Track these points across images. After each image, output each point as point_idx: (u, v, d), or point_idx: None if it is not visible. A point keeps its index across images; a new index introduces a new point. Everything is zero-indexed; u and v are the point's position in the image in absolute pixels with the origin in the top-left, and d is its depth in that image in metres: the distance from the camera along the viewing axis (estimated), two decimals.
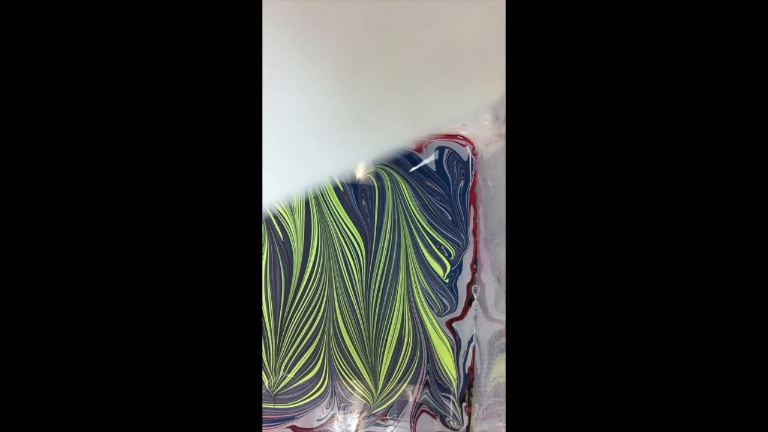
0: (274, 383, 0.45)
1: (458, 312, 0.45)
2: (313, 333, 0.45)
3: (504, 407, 0.36)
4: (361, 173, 0.36)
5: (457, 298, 0.45)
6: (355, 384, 0.44)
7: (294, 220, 0.46)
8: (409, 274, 0.45)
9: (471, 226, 0.46)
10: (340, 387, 0.44)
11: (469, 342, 0.45)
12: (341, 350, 0.45)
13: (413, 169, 0.46)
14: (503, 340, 0.38)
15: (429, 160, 0.46)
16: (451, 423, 0.44)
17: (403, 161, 0.46)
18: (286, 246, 0.45)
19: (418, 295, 0.45)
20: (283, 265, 0.45)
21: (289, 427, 0.44)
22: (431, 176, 0.46)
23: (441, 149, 0.46)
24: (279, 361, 0.45)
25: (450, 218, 0.46)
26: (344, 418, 0.44)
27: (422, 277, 0.45)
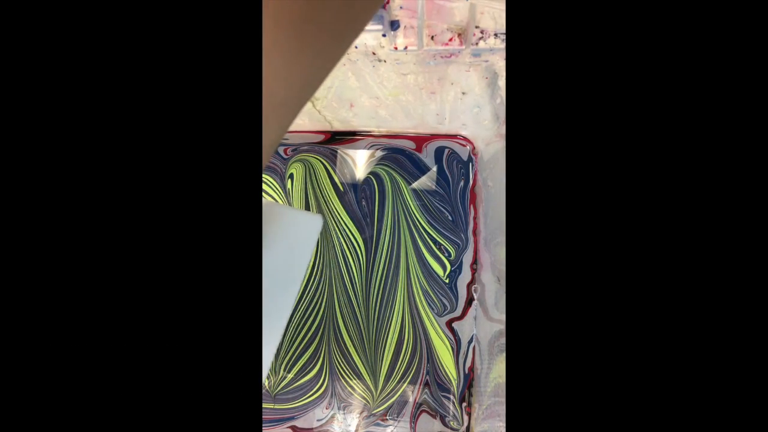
0: (274, 383, 0.45)
1: (458, 312, 0.45)
2: (313, 333, 0.45)
3: (504, 407, 0.36)
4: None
5: (457, 298, 0.45)
6: (355, 384, 0.44)
7: None
8: (409, 274, 0.45)
9: (471, 226, 0.46)
10: (340, 387, 0.44)
11: (469, 342, 0.45)
12: (341, 350, 0.45)
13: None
14: (503, 340, 0.38)
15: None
16: (451, 423, 0.44)
17: (404, 162, 0.46)
18: None
19: (418, 295, 0.45)
20: None
21: (289, 427, 0.44)
22: (428, 170, 0.46)
23: (441, 149, 0.46)
24: (279, 361, 0.45)
25: (450, 218, 0.46)
26: (344, 418, 0.44)
27: (422, 277, 0.45)
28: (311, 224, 0.37)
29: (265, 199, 0.33)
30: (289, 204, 0.46)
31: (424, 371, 0.44)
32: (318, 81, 0.19)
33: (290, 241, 0.36)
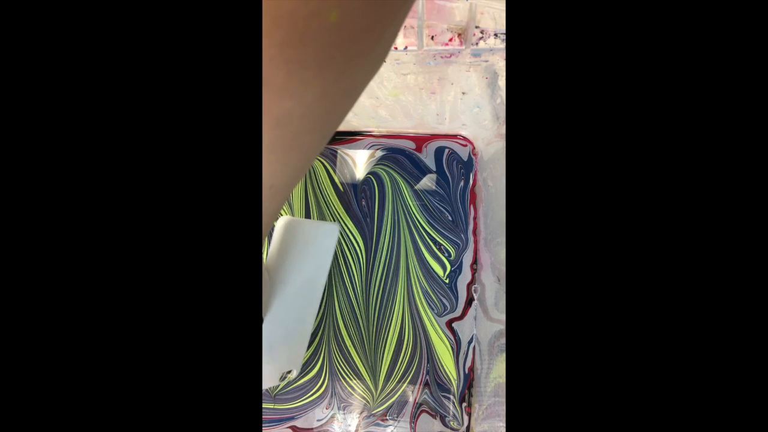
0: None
1: (458, 312, 0.45)
2: (313, 333, 0.45)
3: (504, 407, 0.36)
4: None
5: (457, 298, 0.45)
6: (355, 384, 0.44)
7: None
8: (409, 274, 0.45)
9: (471, 226, 0.46)
10: (340, 387, 0.44)
11: (469, 342, 0.45)
12: (341, 350, 0.45)
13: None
14: (503, 340, 0.38)
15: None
16: (451, 423, 0.44)
17: (403, 162, 0.46)
18: None
19: (418, 295, 0.45)
20: None
21: (289, 427, 0.44)
22: (430, 173, 0.46)
23: (441, 149, 0.46)
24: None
25: (450, 218, 0.46)
26: (344, 418, 0.44)
27: (422, 277, 0.45)
28: (330, 233, 0.42)
29: (283, 216, 0.37)
30: (290, 205, 0.46)
31: (424, 371, 0.44)
32: (295, 182, 0.21)
33: (314, 252, 0.40)
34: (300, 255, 0.39)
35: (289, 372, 0.42)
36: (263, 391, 0.44)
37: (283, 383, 0.44)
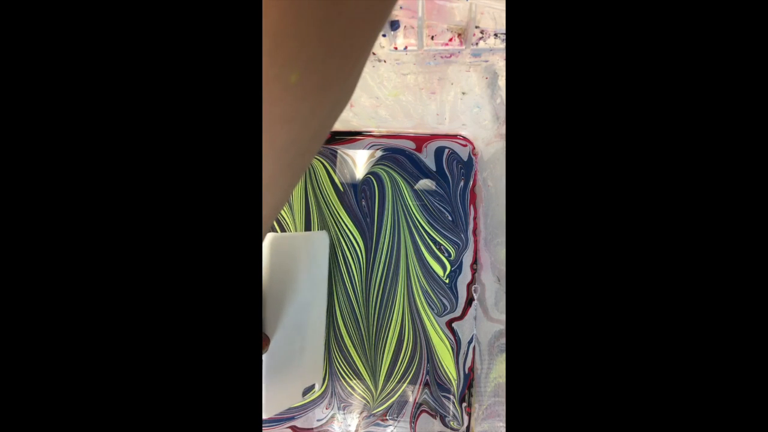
0: None
1: (458, 312, 0.45)
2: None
3: (504, 407, 0.36)
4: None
5: (457, 298, 0.45)
6: (355, 384, 0.44)
7: (294, 220, 0.46)
8: (409, 274, 0.45)
9: (471, 226, 0.46)
10: (340, 387, 0.44)
11: (469, 342, 0.45)
12: (341, 350, 0.45)
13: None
14: (503, 340, 0.38)
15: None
16: (451, 423, 0.44)
17: (403, 162, 0.46)
18: None
19: (418, 295, 0.45)
20: None
21: (289, 427, 0.44)
22: (431, 176, 0.46)
23: (441, 149, 0.46)
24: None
25: (450, 218, 0.46)
26: (344, 418, 0.44)
27: (422, 277, 0.45)
28: (320, 242, 0.42)
29: (268, 234, 0.37)
30: (290, 205, 0.46)
31: (424, 371, 0.44)
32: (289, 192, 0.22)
33: (309, 263, 0.40)
34: (296, 269, 0.39)
35: (312, 386, 0.42)
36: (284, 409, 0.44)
37: (307, 398, 0.44)
